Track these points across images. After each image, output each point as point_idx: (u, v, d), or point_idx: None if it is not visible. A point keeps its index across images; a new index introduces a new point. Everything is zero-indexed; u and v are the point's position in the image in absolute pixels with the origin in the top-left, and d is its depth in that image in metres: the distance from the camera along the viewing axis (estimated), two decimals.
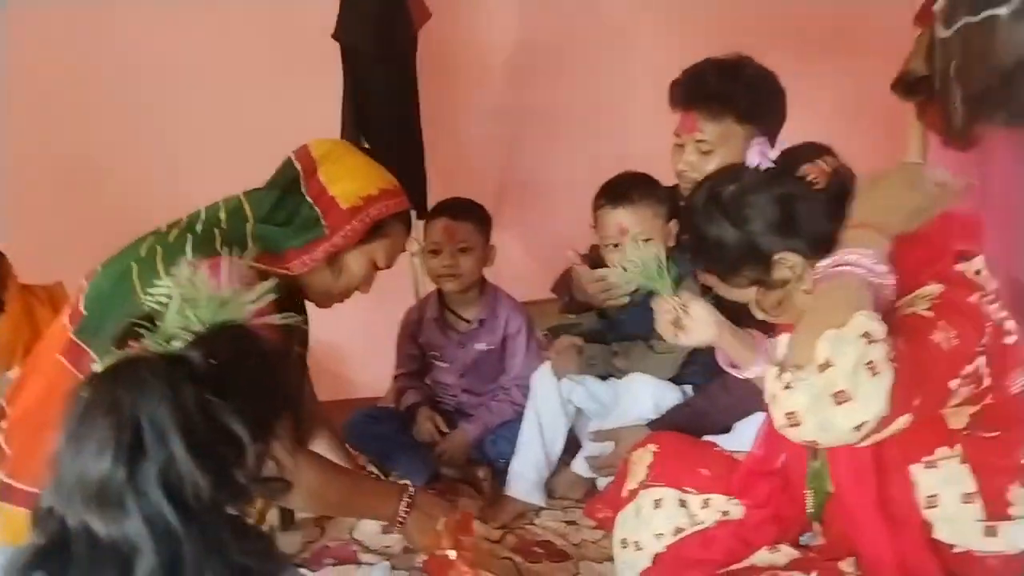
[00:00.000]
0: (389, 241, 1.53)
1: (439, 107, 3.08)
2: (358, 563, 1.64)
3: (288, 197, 1.45)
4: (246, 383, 0.82)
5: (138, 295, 1.31)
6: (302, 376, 1.69)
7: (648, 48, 3.21)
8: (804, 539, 1.34)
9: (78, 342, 1.35)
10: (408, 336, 2.12)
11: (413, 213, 2.89)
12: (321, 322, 3.26)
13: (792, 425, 0.95)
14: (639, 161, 1.89)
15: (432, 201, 2.41)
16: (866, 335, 0.94)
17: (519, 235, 3.42)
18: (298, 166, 1.48)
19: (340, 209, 1.43)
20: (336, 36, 2.70)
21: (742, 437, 1.59)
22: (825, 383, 0.93)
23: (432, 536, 1.43)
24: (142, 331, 0.81)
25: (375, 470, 1.97)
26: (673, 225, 1.76)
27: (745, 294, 1.21)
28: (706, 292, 1.41)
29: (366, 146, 2.78)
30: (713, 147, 1.66)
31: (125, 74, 3.09)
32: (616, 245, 1.77)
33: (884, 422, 0.94)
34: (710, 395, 1.75)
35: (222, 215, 1.45)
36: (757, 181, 1.17)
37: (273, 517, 1.92)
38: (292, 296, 1.57)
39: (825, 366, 0.93)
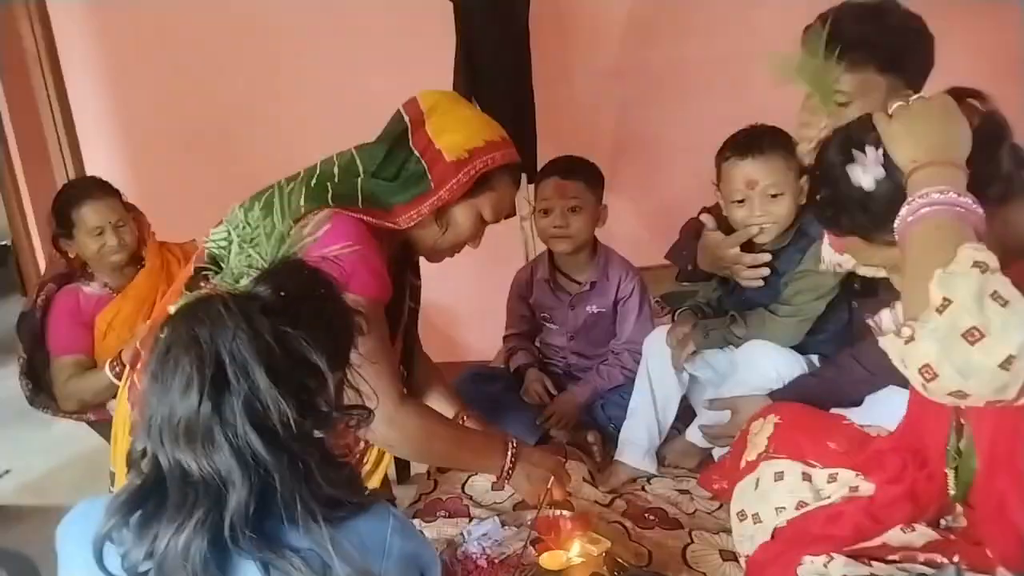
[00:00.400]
0: (496, 194, 1.49)
1: (553, 67, 3.03)
2: (469, 517, 1.65)
3: (397, 151, 1.44)
4: (315, 313, 0.83)
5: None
6: (414, 331, 1.68)
7: (772, 4, 3.05)
8: (945, 521, 1.24)
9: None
10: (518, 297, 2.10)
11: (524, 174, 2.89)
12: (433, 284, 3.30)
13: (930, 380, 0.87)
14: (763, 122, 1.78)
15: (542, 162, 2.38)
16: (978, 265, 0.85)
17: (633, 198, 3.34)
18: (407, 118, 1.46)
19: (445, 162, 1.41)
20: None
21: (873, 412, 1.51)
22: (950, 323, 0.84)
23: (540, 486, 1.46)
24: (210, 274, 0.82)
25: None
26: (804, 182, 1.65)
27: (889, 256, 1.11)
28: None
29: (478, 106, 2.78)
30: (850, 99, 1.53)
31: (244, 37, 3.19)
32: (741, 201, 1.68)
33: None
34: (840, 365, 1.65)
35: (335, 170, 1.46)
36: None
37: (391, 471, 1.96)
38: (405, 251, 1.58)
39: (944, 306, 0.84)
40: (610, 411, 1.92)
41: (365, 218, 1.38)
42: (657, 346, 1.84)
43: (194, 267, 0.87)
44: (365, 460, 1.55)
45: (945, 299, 0.85)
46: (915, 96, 1.06)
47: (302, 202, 1.36)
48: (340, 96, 2.93)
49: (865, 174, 1.06)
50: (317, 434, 0.83)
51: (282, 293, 0.81)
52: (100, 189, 2.19)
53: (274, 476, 0.76)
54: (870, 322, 0.99)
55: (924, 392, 0.90)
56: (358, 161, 1.47)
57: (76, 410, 2.14)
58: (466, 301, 3.32)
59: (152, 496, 0.78)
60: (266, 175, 1.67)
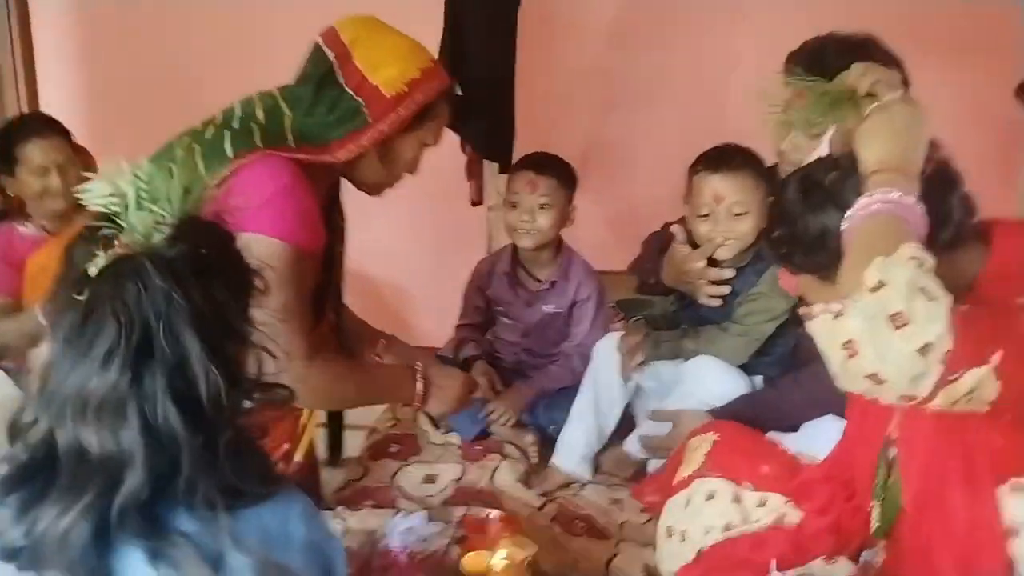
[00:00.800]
0: (437, 122, 1.49)
1: (535, 61, 3.00)
2: (396, 509, 1.62)
3: (325, 90, 1.39)
4: (233, 272, 0.80)
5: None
6: (340, 273, 1.68)
7: (757, 20, 3.06)
8: (865, 556, 1.24)
9: None
10: (476, 288, 2.08)
11: (496, 165, 2.86)
12: (390, 262, 3.26)
13: (851, 357, 0.87)
14: (734, 137, 1.77)
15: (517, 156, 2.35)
16: (915, 259, 0.87)
17: (600, 202, 3.33)
18: (330, 55, 1.40)
19: (384, 98, 1.37)
20: None
21: (809, 439, 1.51)
22: (878, 303, 0.86)
23: (456, 403, 1.59)
24: (107, 230, 0.76)
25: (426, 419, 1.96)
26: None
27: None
28: None
29: (459, 92, 2.75)
30: (825, 129, 1.53)
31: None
32: (707, 215, 1.67)
33: (953, 362, 0.85)
34: (780, 388, 1.66)
35: (259, 112, 1.41)
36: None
37: (320, 449, 1.93)
38: (331, 192, 1.57)
39: (877, 287, 0.86)
40: (552, 413, 1.90)
41: (298, 156, 1.35)
42: (606, 351, 1.83)
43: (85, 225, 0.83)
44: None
45: (880, 282, 0.86)
46: (891, 97, 1.06)
47: (227, 146, 1.32)
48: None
49: (823, 214, 1.07)
50: (241, 408, 0.80)
51: (203, 251, 0.76)
52: (48, 127, 2.10)
53: (182, 457, 0.71)
54: (801, 311, 1.00)
55: (842, 374, 0.90)
56: (282, 102, 1.42)
57: None
58: (422, 284, 3.29)
59: (39, 474, 0.72)
60: None
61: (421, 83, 1.40)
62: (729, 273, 1.68)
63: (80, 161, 2.11)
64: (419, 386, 1.52)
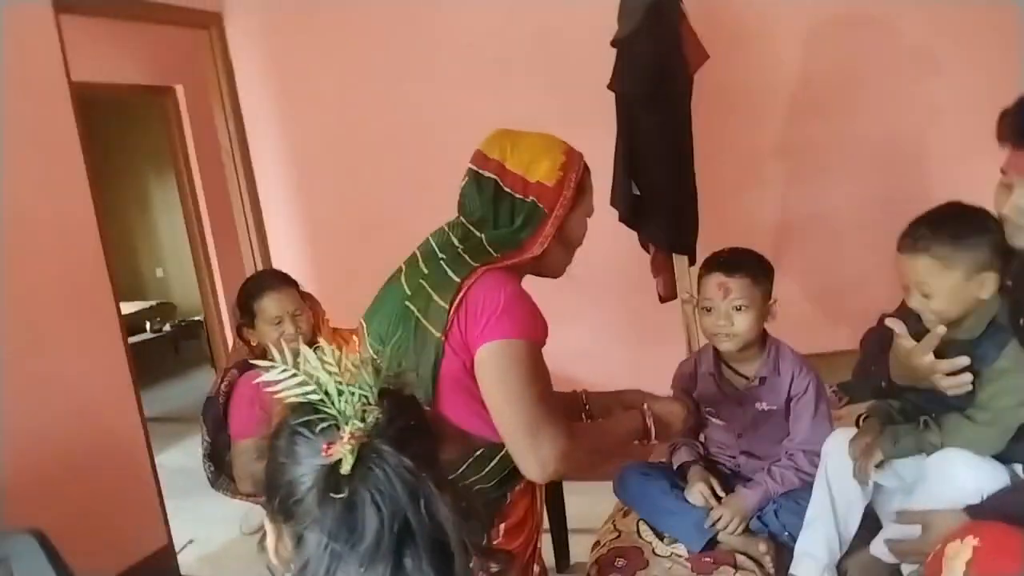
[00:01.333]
0: (589, 192, 1.65)
1: (715, 146, 3.00)
2: None
3: (500, 204, 1.55)
4: (431, 436, 0.83)
5: (425, 326, 1.49)
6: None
7: (953, 72, 2.89)
8: None
9: None
10: (681, 390, 2.02)
11: (685, 258, 2.84)
12: (588, 363, 3.28)
13: None
14: (940, 200, 1.66)
15: (706, 247, 2.31)
16: None
17: (801, 280, 3.21)
18: (489, 174, 1.57)
19: (549, 188, 1.54)
20: (611, 86, 2.71)
21: None
22: None
23: (677, 421, 1.72)
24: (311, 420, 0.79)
25: (649, 530, 1.91)
26: (989, 278, 1.52)
27: None
28: None
29: (637, 193, 2.78)
30: None
31: (419, 130, 3.37)
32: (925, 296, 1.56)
33: None
34: None
35: (455, 240, 1.57)
36: None
37: (549, 558, 1.95)
38: None
39: None
40: (784, 518, 1.79)
41: (505, 263, 1.53)
42: (837, 448, 1.70)
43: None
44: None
45: None
46: None
47: (450, 274, 1.50)
48: None
49: None
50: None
51: (412, 422, 0.80)
52: (279, 280, 2.35)
53: None
54: None
55: None
56: (472, 229, 1.58)
57: (252, 492, 2.25)
58: (623, 384, 3.27)
59: None
60: None
61: (568, 163, 1.58)
62: (964, 361, 1.52)
63: (308, 307, 2.34)
64: (649, 422, 1.67)
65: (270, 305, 2.27)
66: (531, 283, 1.68)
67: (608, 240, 2.67)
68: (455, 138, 3.23)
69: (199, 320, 5.90)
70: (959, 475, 1.50)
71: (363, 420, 0.78)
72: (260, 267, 3.54)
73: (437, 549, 0.74)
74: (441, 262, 1.53)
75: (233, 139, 3.56)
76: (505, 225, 1.56)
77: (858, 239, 3.13)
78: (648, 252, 2.97)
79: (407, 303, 1.53)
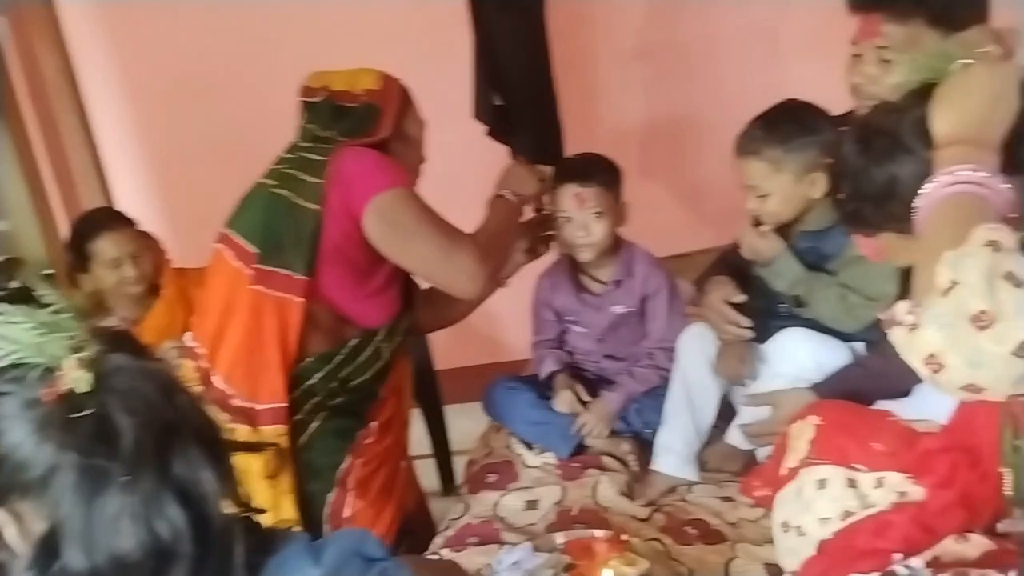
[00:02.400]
0: (414, 106, 1.76)
1: (575, 52, 2.94)
2: (500, 543, 1.58)
3: (339, 114, 1.65)
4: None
5: (300, 204, 1.56)
6: None
7: None
8: (1002, 527, 1.12)
9: (264, 267, 1.58)
10: (542, 302, 2.01)
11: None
12: None
13: (937, 372, 0.77)
14: (795, 92, 1.67)
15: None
16: (991, 243, 0.76)
17: (667, 183, 3.23)
18: (321, 99, 1.68)
19: (377, 90, 1.68)
20: None
21: (923, 403, 1.38)
22: (955, 306, 0.75)
23: (531, 184, 1.83)
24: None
25: (520, 442, 1.92)
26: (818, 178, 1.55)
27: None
28: None
29: (498, 102, 2.71)
30: (896, 55, 1.42)
31: (261, 45, 3.16)
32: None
33: None
34: (888, 353, 1.50)
35: (305, 147, 1.66)
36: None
37: (432, 481, 1.96)
38: None
39: (949, 288, 0.75)
40: (646, 416, 1.82)
41: (365, 140, 1.63)
42: (691, 345, 1.74)
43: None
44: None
45: (952, 281, 0.76)
46: (981, 50, 0.95)
47: (314, 158, 1.60)
48: None
49: (898, 160, 0.97)
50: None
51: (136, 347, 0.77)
52: (115, 219, 2.18)
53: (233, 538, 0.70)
54: (881, 315, 0.89)
55: (935, 386, 0.81)
56: (318, 135, 1.66)
57: None
58: (504, 300, 3.26)
59: None
60: None
61: (388, 79, 1.72)
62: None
63: (148, 247, 2.18)
64: (512, 198, 1.79)
65: (107, 246, 2.09)
66: None
67: (477, 155, 2.61)
68: (308, 57, 3.08)
69: (52, 274, 5.52)
70: (798, 353, 1.55)
71: (81, 351, 0.71)
72: None
73: (206, 444, 0.70)
74: (301, 154, 1.63)
75: (60, 72, 3.27)
76: (353, 122, 1.64)
77: (718, 140, 3.16)
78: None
79: (273, 191, 1.61)
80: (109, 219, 2.19)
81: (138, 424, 0.68)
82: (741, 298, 1.65)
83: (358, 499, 1.66)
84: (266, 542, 0.76)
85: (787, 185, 1.56)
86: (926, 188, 0.88)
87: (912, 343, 0.80)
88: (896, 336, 0.83)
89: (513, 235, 1.81)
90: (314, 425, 1.65)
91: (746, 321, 1.64)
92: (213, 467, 0.70)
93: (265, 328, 1.58)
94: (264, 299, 1.58)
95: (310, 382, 1.63)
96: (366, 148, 1.61)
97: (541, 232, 1.90)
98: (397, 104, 1.69)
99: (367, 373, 1.69)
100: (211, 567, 0.69)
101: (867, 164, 1.01)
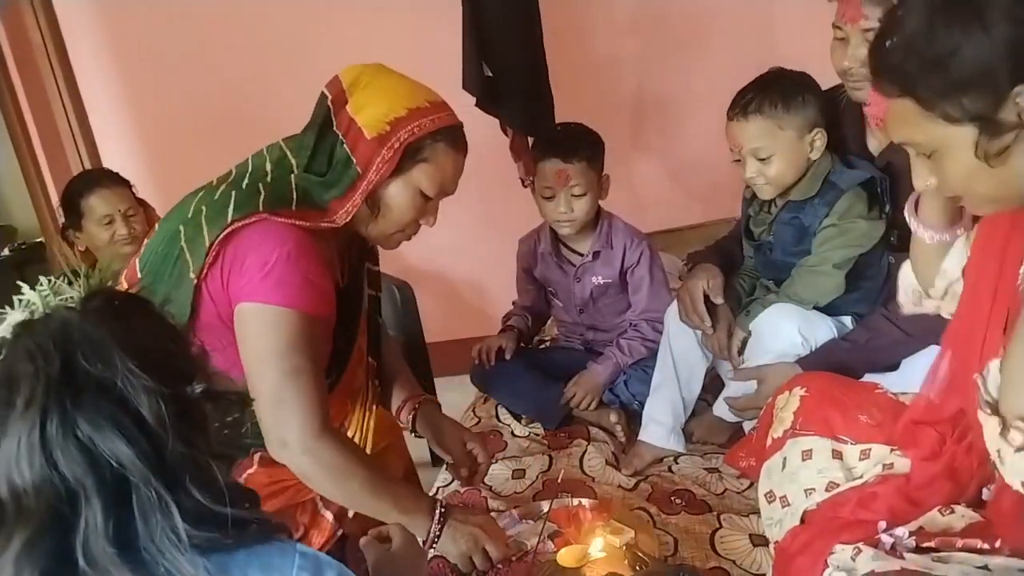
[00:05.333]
0: (432, 166, 1.32)
1: (566, 26, 2.91)
2: (487, 510, 1.58)
3: (325, 138, 1.31)
4: (158, 319, 0.79)
5: (186, 260, 1.27)
6: (377, 320, 1.60)
7: None
8: (987, 494, 1.13)
9: None
10: (522, 270, 2.03)
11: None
12: (459, 260, 3.23)
13: None
14: (790, 65, 1.66)
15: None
16: None
17: (658, 158, 3.22)
18: (328, 99, 1.32)
19: (366, 140, 1.27)
20: None
21: (911, 376, 1.39)
22: None
23: (469, 545, 1.32)
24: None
25: (508, 413, 1.92)
26: (818, 136, 1.56)
27: (939, 136, 0.92)
28: None
29: (489, 74, 2.68)
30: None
31: (252, 19, 3.12)
32: (739, 161, 1.61)
33: None
34: (873, 327, 1.55)
35: (268, 166, 1.34)
36: None
37: (424, 452, 1.88)
38: (352, 242, 1.48)
39: None
40: (633, 387, 1.83)
41: (298, 223, 1.26)
42: (678, 318, 1.74)
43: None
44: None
45: None
46: None
47: (230, 209, 1.26)
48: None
49: (962, 31, 0.86)
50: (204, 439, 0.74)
51: (116, 302, 0.75)
52: (109, 178, 2.17)
53: (132, 489, 0.67)
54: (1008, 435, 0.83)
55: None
56: (289, 155, 1.35)
57: None
58: (494, 274, 3.25)
59: None
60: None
61: (406, 121, 1.28)
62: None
63: (143, 212, 2.17)
64: (435, 522, 1.32)
65: (99, 203, 2.08)
66: None
67: (468, 126, 2.59)
68: (297, 28, 3.05)
69: (40, 241, 5.47)
70: (784, 328, 1.56)
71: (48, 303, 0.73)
72: None
73: (114, 399, 0.68)
74: (233, 192, 1.29)
75: (46, 36, 3.21)
76: (319, 171, 1.31)
77: (709, 116, 3.14)
78: (507, 136, 2.90)
79: (180, 226, 1.30)
80: (103, 176, 2.18)
81: (35, 372, 0.67)
82: (718, 300, 1.66)
83: None
84: (247, 532, 0.73)
85: (791, 143, 1.55)
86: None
87: (1018, 466, 0.75)
88: (994, 443, 0.80)
89: (385, 516, 1.28)
90: None
91: (709, 322, 1.65)
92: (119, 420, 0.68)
93: None
94: None
95: None
96: (286, 232, 1.24)
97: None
98: (383, 174, 1.29)
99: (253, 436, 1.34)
100: (133, 524, 0.68)
101: (937, 22, 0.89)
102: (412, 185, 1.33)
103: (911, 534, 1.08)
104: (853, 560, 1.04)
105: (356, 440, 1.48)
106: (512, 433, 1.87)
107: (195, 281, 1.25)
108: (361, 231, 1.39)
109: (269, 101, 3.11)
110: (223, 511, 0.70)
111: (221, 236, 1.24)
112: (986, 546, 1.00)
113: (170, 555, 0.67)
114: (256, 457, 1.40)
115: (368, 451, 1.48)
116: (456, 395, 2.25)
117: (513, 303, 2.11)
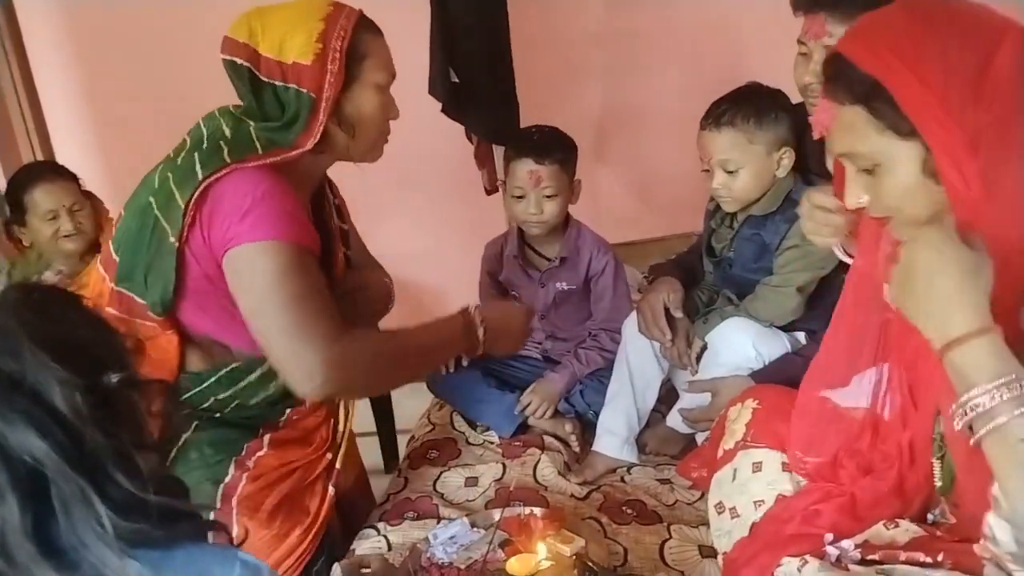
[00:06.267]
0: (373, 59, 1.36)
1: (534, 35, 2.92)
2: (438, 518, 1.57)
3: (261, 94, 1.33)
4: (81, 311, 0.78)
5: (163, 227, 1.29)
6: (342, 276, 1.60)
7: None
8: (932, 516, 1.14)
9: (120, 291, 1.35)
10: (487, 273, 2.02)
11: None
12: (420, 263, 3.20)
13: None
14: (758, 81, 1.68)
15: None
16: None
17: (622, 170, 3.24)
18: (239, 61, 1.33)
19: (307, 67, 1.29)
20: None
21: (860, 391, 1.41)
22: None
23: (520, 338, 1.51)
24: None
25: (463, 421, 1.91)
26: (785, 154, 1.57)
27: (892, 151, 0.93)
28: None
29: (456, 80, 2.68)
30: None
31: (214, 16, 3.07)
32: (707, 171, 1.62)
33: None
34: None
35: (225, 128, 1.36)
36: None
37: (377, 458, 1.85)
38: (324, 192, 1.53)
39: None
40: (589, 397, 1.83)
41: (268, 160, 1.30)
42: (635, 330, 1.74)
43: None
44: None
45: None
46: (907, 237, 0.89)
47: (197, 168, 1.28)
48: None
49: None
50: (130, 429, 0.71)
51: (34, 295, 0.73)
52: (54, 172, 2.12)
53: (50, 482, 0.65)
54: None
55: None
56: (243, 116, 1.37)
57: None
58: (454, 280, 3.24)
59: None
60: None
61: (328, 32, 1.30)
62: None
63: (90, 205, 2.13)
64: (480, 332, 1.43)
65: (43, 198, 2.04)
66: (355, 180, 1.51)
67: (433, 132, 2.58)
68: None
69: None
70: (738, 342, 1.57)
71: None
72: None
73: (26, 392, 0.65)
74: (196, 154, 1.31)
75: (3, 26, 3.13)
76: (274, 118, 1.33)
77: (673, 129, 3.17)
78: (472, 143, 2.90)
79: (150, 198, 1.32)
80: (47, 171, 2.14)
81: None
82: (678, 314, 1.67)
83: (247, 519, 1.38)
84: (178, 526, 0.71)
85: (759, 158, 1.57)
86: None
87: None
88: (1005, 545, 0.81)
89: (437, 361, 1.50)
90: (187, 435, 1.42)
91: (670, 335, 1.66)
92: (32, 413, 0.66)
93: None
94: (128, 323, 1.33)
95: (186, 395, 1.41)
96: (258, 175, 1.28)
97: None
98: (337, 86, 1.31)
99: (255, 399, 1.44)
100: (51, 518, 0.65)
101: None
102: (369, 84, 1.36)
103: (857, 547, 1.10)
104: (799, 572, 1.05)
105: (339, 428, 1.54)
106: (467, 440, 1.85)
107: (176, 245, 1.27)
108: (341, 153, 1.41)
109: (229, 96, 3.08)
110: (151, 499, 0.68)
111: (195, 195, 1.25)
112: (928, 560, 1.01)
113: (95, 548, 0.65)
114: (266, 439, 1.44)
115: (346, 436, 1.54)
116: (414, 402, 2.23)
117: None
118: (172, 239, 1.27)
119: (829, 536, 1.10)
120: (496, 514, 1.49)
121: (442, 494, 1.66)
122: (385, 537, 1.53)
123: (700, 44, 3.13)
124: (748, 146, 1.56)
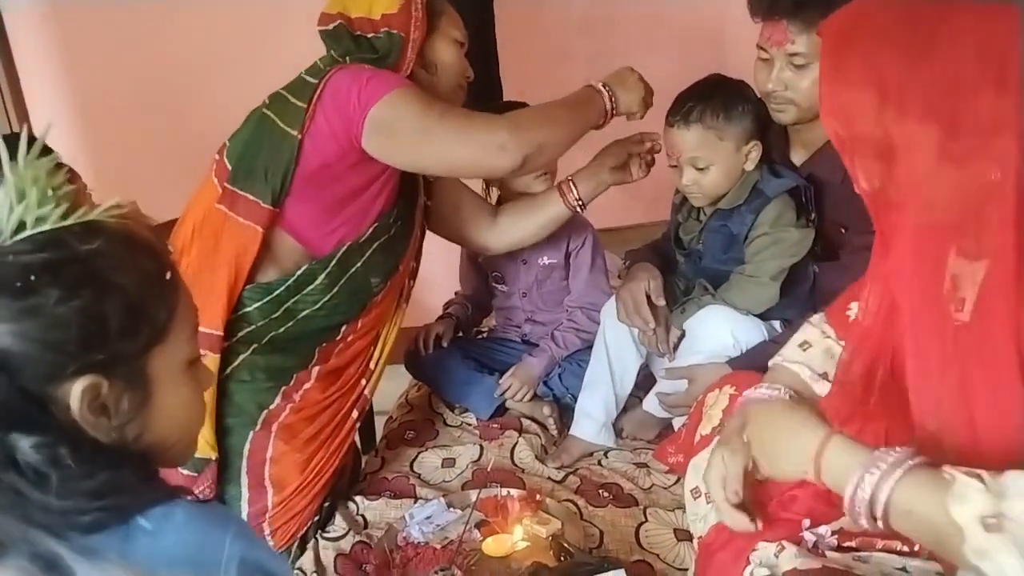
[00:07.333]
0: (448, 16, 1.59)
1: (521, 20, 2.91)
2: (415, 498, 1.57)
3: (359, 43, 1.50)
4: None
5: (282, 128, 1.46)
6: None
7: None
8: None
9: (233, 189, 1.49)
10: (468, 258, 2.02)
11: None
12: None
13: None
14: (737, 74, 1.68)
15: None
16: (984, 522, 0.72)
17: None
18: (336, 26, 1.50)
19: (396, 15, 1.49)
20: None
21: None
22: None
23: (643, 90, 1.64)
24: None
25: (440, 402, 1.92)
26: (754, 148, 1.58)
27: None
28: None
29: None
30: (809, 60, 1.44)
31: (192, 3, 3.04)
32: (675, 166, 1.63)
33: None
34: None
35: (321, 64, 1.54)
36: None
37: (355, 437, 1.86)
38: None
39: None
40: (567, 381, 1.84)
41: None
42: (614, 315, 1.75)
43: None
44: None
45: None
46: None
47: (310, 79, 1.48)
48: (298, 54, 2.80)
49: None
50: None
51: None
52: (30, 146, 2.07)
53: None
54: None
55: None
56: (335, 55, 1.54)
57: None
58: (429, 263, 3.24)
59: None
60: (219, 135, 1.60)
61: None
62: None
63: (67, 180, 2.09)
64: (606, 95, 1.59)
65: None
66: None
67: None
68: (245, 13, 2.96)
69: None
70: (717, 329, 1.58)
71: None
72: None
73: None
74: (303, 75, 1.52)
75: None
76: (369, 55, 1.51)
77: (655, 116, 3.18)
78: None
79: (264, 111, 1.51)
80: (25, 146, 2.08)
81: None
82: (660, 302, 1.66)
83: (283, 443, 1.51)
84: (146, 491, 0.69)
85: (728, 154, 1.57)
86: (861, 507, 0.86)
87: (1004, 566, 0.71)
88: (975, 539, 0.75)
89: (586, 120, 1.58)
90: (244, 355, 1.52)
91: (652, 323, 1.65)
92: None
93: (222, 251, 1.49)
94: (225, 220, 1.49)
95: (246, 309, 1.51)
96: (359, 65, 1.48)
97: (637, 151, 1.73)
98: (421, 29, 1.51)
99: (316, 305, 1.54)
100: None
101: None
102: (446, 36, 1.58)
103: (833, 533, 1.11)
104: (776, 557, 1.06)
105: (375, 356, 1.68)
106: (444, 422, 1.86)
107: (299, 138, 1.44)
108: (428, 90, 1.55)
109: (211, 77, 3.03)
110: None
111: (315, 95, 1.44)
112: (905, 548, 1.03)
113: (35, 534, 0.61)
114: (315, 371, 1.57)
115: (382, 366, 1.69)
116: (392, 384, 2.22)
117: (456, 293, 2.09)
118: (295, 133, 1.44)
119: (806, 522, 1.11)
120: (473, 495, 1.50)
121: (419, 474, 1.67)
122: (362, 516, 1.53)
123: (684, 32, 3.14)
124: (718, 143, 1.57)
